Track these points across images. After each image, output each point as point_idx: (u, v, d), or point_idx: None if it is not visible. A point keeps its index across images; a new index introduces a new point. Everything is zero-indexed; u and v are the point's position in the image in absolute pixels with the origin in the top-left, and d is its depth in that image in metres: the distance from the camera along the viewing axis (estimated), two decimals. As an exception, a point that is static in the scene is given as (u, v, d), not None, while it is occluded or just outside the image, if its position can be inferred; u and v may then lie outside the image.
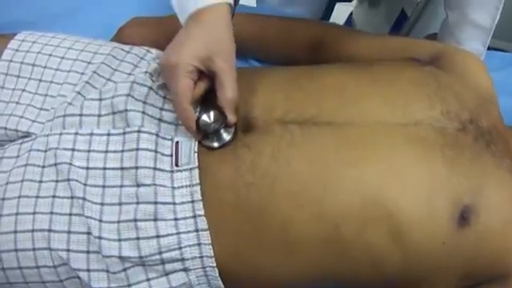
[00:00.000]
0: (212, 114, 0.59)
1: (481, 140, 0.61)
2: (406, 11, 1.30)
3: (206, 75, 0.58)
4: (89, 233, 0.56)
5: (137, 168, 0.57)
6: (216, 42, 0.57)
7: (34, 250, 0.57)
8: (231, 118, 0.58)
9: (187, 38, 0.57)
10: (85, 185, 0.58)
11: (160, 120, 0.61)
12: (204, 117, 0.59)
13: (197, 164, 0.58)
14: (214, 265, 0.57)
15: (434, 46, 0.74)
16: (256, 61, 0.90)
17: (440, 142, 0.59)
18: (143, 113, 0.60)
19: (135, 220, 0.56)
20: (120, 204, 0.57)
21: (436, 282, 0.58)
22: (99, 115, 0.61)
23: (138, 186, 0.57)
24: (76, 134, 0.60)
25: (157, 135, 0.60)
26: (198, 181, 0.57)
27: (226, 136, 0.59)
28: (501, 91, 0.70)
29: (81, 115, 0.61)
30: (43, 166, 0.60)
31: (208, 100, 0.60)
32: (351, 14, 1.68)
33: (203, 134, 0.59)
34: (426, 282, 0.58)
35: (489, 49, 0.82)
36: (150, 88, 0.63)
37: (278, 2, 1.14)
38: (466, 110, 0.63)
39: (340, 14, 1.56)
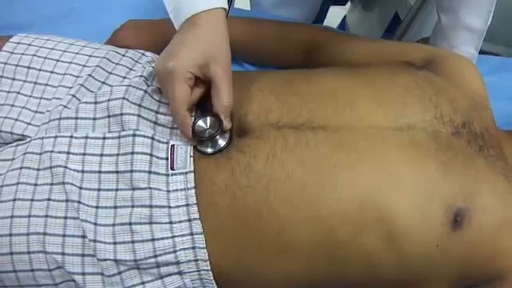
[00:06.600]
0: (208, 119, 0.59)
1: (473, 144, 0.62)
2: (400, 15, 1.31)
3: (202, 81, 0.59)
4: (84, 236, 0.56)
5: (132, 171, 0.57)
6: (213, 47, 0.57)
7: (28, 253, 0.57)
8: (227, 123, 0.59)
9: (184, 44, 0.57)
10: (80, 188, 0.58)
11: (155, 123, 0.61)
12: (200, 122, 0.59)
13: (192, 168, 0.58)
14: (209, 268, 0.57)
15: (428, 50, 0.75)
16: (250, 64, 0.90)
17: (433, 145, 0.60)
18: (139, 116, 0.60)
19: (130, 223, 0.56)
20: (115, 207, 0.57)
21: (430, 284, 0.59)
22: (94, 118, 0.61)
23: (134, 189, 0.57)
24: (71, 137, 0.60)
25: (152, 138, 0.59)
26: (193, 184, 0.58)
27: (221, 142, 0.60)
28: (492, 95, 0.71)
29: (76, 118, 0.61)
30: (38, 169, 0.59)
31: (203, 105, 0.60)
32: (345, 17, 1.68)
33: (198, 140, 0.59)
34: (421, 284, 0.59)
35: (480, 52, 0.82)
36: (145, 91, 0.63)
37: (272, 4, 1.14)
38: (459, 113, 0.63)
39: (333, 17, 1.57)
